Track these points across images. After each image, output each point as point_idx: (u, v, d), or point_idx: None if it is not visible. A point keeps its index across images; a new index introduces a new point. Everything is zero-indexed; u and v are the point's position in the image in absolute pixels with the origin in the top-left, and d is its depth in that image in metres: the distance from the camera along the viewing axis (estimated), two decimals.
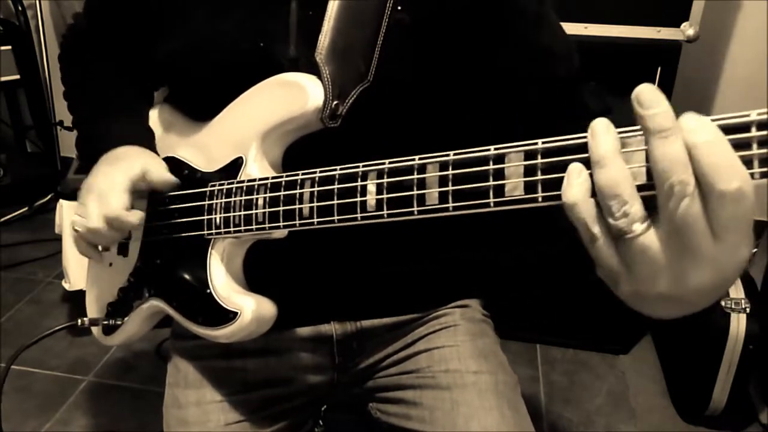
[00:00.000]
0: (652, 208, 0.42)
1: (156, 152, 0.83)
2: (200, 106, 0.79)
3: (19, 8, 2.47)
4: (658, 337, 1.90)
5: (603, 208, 0.42)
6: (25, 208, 2.53)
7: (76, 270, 1.82)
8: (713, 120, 0.40)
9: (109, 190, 0.73)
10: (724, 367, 1.53)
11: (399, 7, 0.71)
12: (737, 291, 1.54)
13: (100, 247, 0.80)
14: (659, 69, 1.63)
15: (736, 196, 0.38)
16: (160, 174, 0.76)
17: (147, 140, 0.83)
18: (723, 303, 1.52)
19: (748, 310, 1.50)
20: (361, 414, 0.95)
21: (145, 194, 0.79)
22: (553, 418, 1.66)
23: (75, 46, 0.94)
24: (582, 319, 1.84)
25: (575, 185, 0.43)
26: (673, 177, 0.39)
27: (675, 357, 1.77)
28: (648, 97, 0.41)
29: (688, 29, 1.56)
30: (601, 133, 0.43)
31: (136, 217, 0.73)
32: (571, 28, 1.60)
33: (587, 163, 0.44)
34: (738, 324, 1.50)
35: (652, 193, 0.42)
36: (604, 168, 0.42)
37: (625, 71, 1.78)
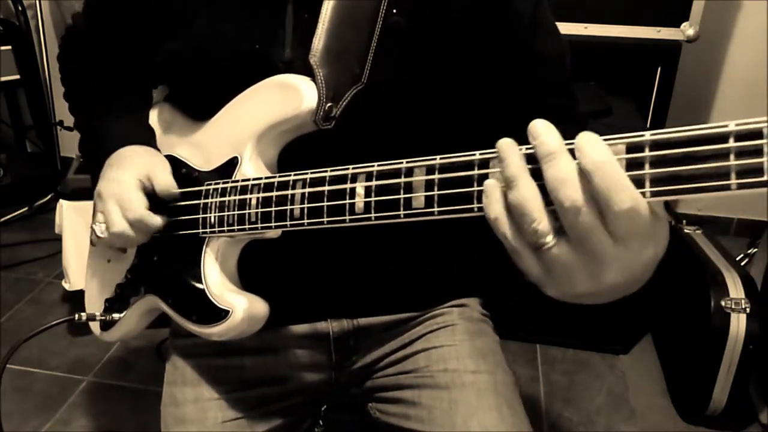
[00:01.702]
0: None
1: (158, 150, 0.83)
2: (199, 106, 0.80)
3: (19, 8, 2.48)
4: (658, 337, 1.90)
5: (515, 224, 0.46)
6: (25, 208, 2.54)
7: (76, 270, 1.82)
8: (607, 140, 0.43)
9: (126, 193, 0.74)
10: (724, 367, 1.53)
11: (394, 11, 0.71)
12: (737, 291, 1.54)
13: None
14: (659, 69, 1.63)
15: (630, 214, 0.42)
16: (165, 181, 0.76)
17: (149, 139, 0.84)
18: (723, 303, 1.52)
19: (748, 310, 1.50)
20: (360, 414, 0.95)
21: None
22: (553, 418, 1.66)
23: (74, 46, 0.94)
24: (582, 319, 1.83)
25: (492, 202, 0.47)
26: (560, 194, 0.43)
27: (675, 357, 1.76)
28: (536, 128, 0.45)
29: (688, 29, 1.56)
30: (508, 153, 0.46)
31: (159, 219, 0.74)
32: (571, 28, 1.61)
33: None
34: (738, 324, 1.50)
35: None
36: (513, 188, 0.45)
37: (625, 71, 1.78)
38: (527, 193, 0.45)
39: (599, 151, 0.42)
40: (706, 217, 2.30)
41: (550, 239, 0.45)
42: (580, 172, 0.43)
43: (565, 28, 1.62)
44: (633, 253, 0.44)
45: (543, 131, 0.45)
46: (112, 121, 0.84)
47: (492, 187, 0.47)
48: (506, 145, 0.46)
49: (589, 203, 0.43)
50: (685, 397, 1.67)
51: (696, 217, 2.20)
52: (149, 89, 0.94)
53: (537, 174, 0.46)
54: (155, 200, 0.77)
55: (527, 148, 0.46)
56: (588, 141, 0.43)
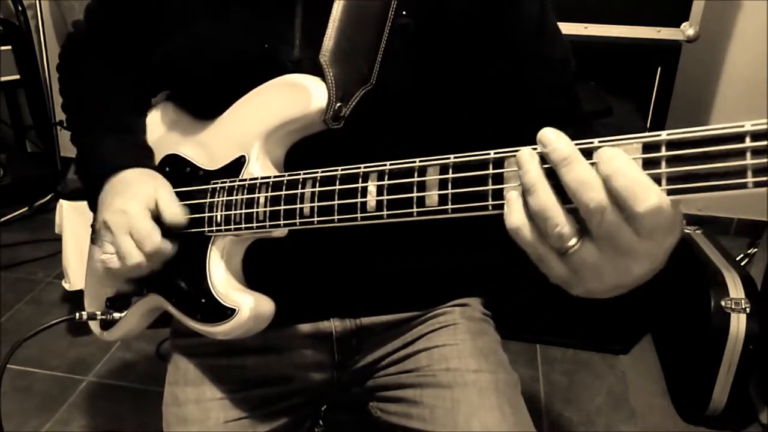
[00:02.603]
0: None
1: (155, 168, 0.81)
2: (205, 105, 0.79)
3: (19, 8, 2.48)
4: (658, 337, 1.90)
5: (540, 230, 0.47)
6: (25, 208, 2.54)
7: (76, 270, 1.82)
8: (624, 139, 0.45)
9: (137, 225, 0.72)
10: (724, 367, 1.53)
11: (403, 12, 0.72)
12: (737, 291, 1.54)
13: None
14: (659, 69, 1.63)
15: (654, 212, 0.43)
16: (173, 212, 0.74)
17: (145, 159, 0.82)
18: (723, 303, 1.52)
19: (748, 310, 1.51)
20: (361, 414, 0.95)
21: None
22: (553, 418, 1.66)
23: (74, 54, 0.93)
24: (582, 319, 1.84)
25: (514, 211, 0.48)
26: (584, 197, 0.44)
27: (675, 357, 1.77)
28: (547, 135, 0.46)
29: (688, 29, 1.56)
30: (527, 162, 0.47)
31: (173, 246, 0.73)
32: (571, 28, 1.61)
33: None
34: (738, 324, 1.50)
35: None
36: (533, 195, 0.46)
37: (625, 71, 1.78)
38: (548, 199, 0.46)
39: (619, 157, 0.44)
40: (706, 217, 2.30)
41: (574, 241, 0.46)
42: (599, 175, 0.44)
43: (565, 28, 1.62)
44: (658, 243, 0.46)
45: (554, 138, 0.46)
46: (108, 141, 0.83)
47: (513, 197, 0.48)
48: (524, 153, 0.48)
49: (613, 204, 0.44)
50: (685, 397, 1.67)
51: (696, 217, 2.20)
52: (148, 99, 0.93)
53: (551, 176, 0.47)
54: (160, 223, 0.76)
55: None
56: (607, 150, 0.44)
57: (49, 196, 2.55)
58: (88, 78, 0.91)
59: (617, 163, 0.43)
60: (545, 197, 0.46)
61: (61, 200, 1.85)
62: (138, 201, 0.74)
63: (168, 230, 0.74)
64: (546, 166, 0.47)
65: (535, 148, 0.48)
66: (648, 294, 1.92)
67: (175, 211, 0.74)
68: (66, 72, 0.94)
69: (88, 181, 0.83)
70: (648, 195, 0.42)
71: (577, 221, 0.46)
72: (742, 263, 2.04)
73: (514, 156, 0.49)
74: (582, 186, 0.44)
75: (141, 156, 0.83)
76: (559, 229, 0.46)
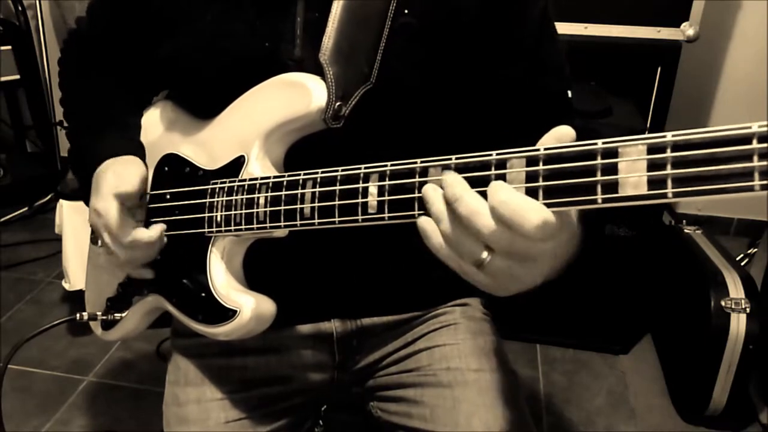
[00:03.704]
0: None
1: (144, 162, 0.82)
2: (204, 104, 0.79)
3: (19, 8, 2.48)
4: (658, 337, 1.90)
5: (456, 251, 0.52)
6: (25, 208, 2.54)
7: (76, 270, 1.82)
8: (629, 140, 0.46)
9: (109, 221, 0.74)
10: (724, 367, 1.53)
11: (405, 11, 0.72)
12: (737, 291, 1.54)
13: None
14: (659, 69, 1.63)
15: (540, 227, 0.47)
16: (125, 188, 0.76)
17: (132, 152, 0.83)
18: (723, 303, 1.52)
19: (748, 310, 1.51)
20: (361, 414, 0.95)
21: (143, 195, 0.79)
22: (553, 418, 1.66)
23: (75, 51, 0.93)
24: (582, 319, 1.84)
25: (432, 238, 0.53)
26: (476, 224, 0.49)
27: (675, 357, 1.77)
28: (427, 193, 0.53)
29: (688, 29, 1.56)
30: (431, 197, 0.53)
31: (155, 231, 0.75)
32: (571, 28, 1.61)
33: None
34: (738, 324, 1.50)
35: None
36: (440, 224, 0.52)
37: (625, 71, 1.78)
38: (451, 230, 0.52)
39: (501, 189, 0.49)
40: (706, 217, 2.30)
41: (485, 255, 0.51)
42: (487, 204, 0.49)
43: (565, 28, 1.63)
44: (554, 243, 0.51)
45: (448, 183, 0.52)
46: (101, 137, 0.84)
47: (427, 226, 0.53)
48: (429, 190, 0.53)
49: (500, 225, 0.49)
50: (685, 397, 1.67)
51: (696, 217, 2.20)
52: (148, 99, 0.93)
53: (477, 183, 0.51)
54: (155, 214, 0.77)
55: (530, 150, 0.50)
56: (493, 184, 0.50)
57: (49, 196, 2.55)
58: (88, 75, 0.91)
59: (500, 195, 0.48)
60: (449, 229, 0.51)
61: (61, 200, 1.85)
62: (104, 196, 0.76)
63: (157, 207, 0.75)
64: (543, 183, 0.50)
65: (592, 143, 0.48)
66: (648, 294, 1.92)
67: (129, 186, 0.76)
68: (67, 66, 0.94)
69: (81, 175, 0.84)
70: (530, 216, 0.47)
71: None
72: (742, 263, 2.04)
73: (516, 157, 0.50)
74: (472, 215, 0.49)
75: (129, 149, 0.83)
76: (467, 248, 0.51)
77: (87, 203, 0.82)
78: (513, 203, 0.48)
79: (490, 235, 0.49)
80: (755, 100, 2.13)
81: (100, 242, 0.78)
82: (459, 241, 0.51)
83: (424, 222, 0.53)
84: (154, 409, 0.91)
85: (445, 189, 0.52)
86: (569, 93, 0.81)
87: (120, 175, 0.77)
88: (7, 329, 1.93)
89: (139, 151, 0.84)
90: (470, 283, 0.55)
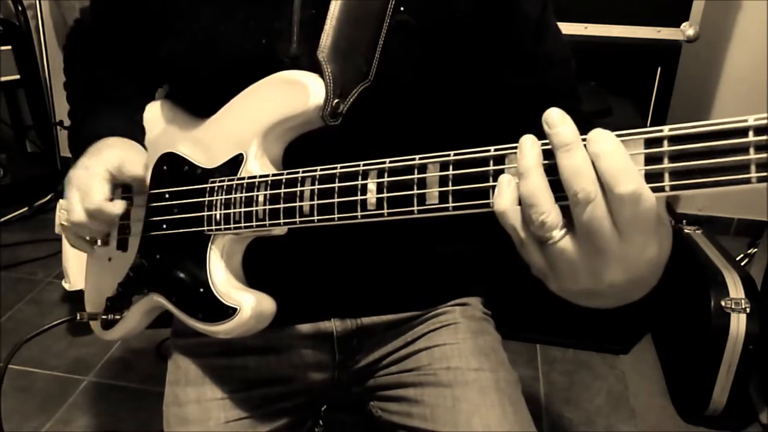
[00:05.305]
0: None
1: (144, 146, 0.83)
2: (202, 103, 0.80)
3: (19, 8, 2.48)
4: (658, 337, 1.90)
5: (525, 216, 0.47)
6: (25, 208, 2.54)
7: (76, 270, 1.82)
8: (625, 134, 0.45)
9: (89, 181, 0.75)
10: (724, 367, 1.53)
11: (402, 8, 0.72)
12: (737, 291, 1.54)
13: (90, 240, 0.82)
14: (659, 69, 1.63)
15: (633, 198, 0.43)
16: (133, 169, 0.77)
17: (134, 133, 0.84)
18: (723, 303, 1.52)
19: (748, 310, 1.51)
20: (361, 413, 0.95)
21: (133, 187, 0.80)
22: (553, 418, 1.66)
23: (80, 39, 0.94)
24: (582, 319, 1.83)
25: (504, 194, 0.48)
26: (575, 186, 0.44)
27: (675, 357, 1.77)
28: (553, 116, 0.46)
29: (688, 29, 1.56)
30: (527, 147, 0.47)
31: (118, 207, 0.75)
32: (571, 28, 1.61)
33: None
34: (738, 324, 1.50)
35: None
36: (525, 180, 0.46)
37: (625, 71, 1.78)
38: (538, 184, 0.46)
39: (609, 140, 0.44)
40: (706, 217, 2.30)
41: (556, 233, 0.46)
42: (592, 164, 0.44)
43: (565, 28, 1.62)
44: (636, 250, 0.45)
45: (560, 121, 0.45)
46: (101, 112, 0.85)
47: (505, 180, 0.48)
48: (527, 139, 0.48)
49: (600, 196, 0.44)
50: (685, 397, 1.67)
51: (696, 217, 2.20)
52: (150, 87, 0.94)
53: (550, 171, 0.46)
54: (154, 213, 0.77)
55: (543, 144, 0.47)
56: (599, 132, 0.45)
57: (49, 196, 2.55)
58: (91, 63, 0.91)
59: (606, 145, 0.44)
60: (536, 183, 0.46)
61: (61, 200, 1.85)
62: (102, 162, 0.76)
63: (161, 228, 0.75)
64: (546, 162, 0.47)
65: (545, 143, 0.47)
66: (648, 294, 1.91)
67: (134, 168, 0.76)
68: (72, 53, 0.95)
69: (77, 148, 0.84)
70: (629, 179, 0.42)
71: (563, 215, 0.46)
72: (742, 263, 2.04)
73: (515, 153, 0.49)
74: (576, 175, 0.44)
75: (131, 130, 0.84)
76: (544, 217, 0.46)
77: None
78: (616, 158, 0.43)
79: (583, 201, 0.44)
80: (755, 100, 2.13)
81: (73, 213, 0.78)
82: (537, 205, 0.46)
83: (502, 178, 0.48)
84: (154, 409, 0.91)
85: (553, 135, 0.45)
86: (576, 87, 0.81)
87: (125, 156, 0.78)
88: (7, 329, 1.92)
89: (139, 134, 0.85)
90: (518, 260, 0.50)
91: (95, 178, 0.75)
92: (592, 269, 0.46)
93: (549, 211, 0.46)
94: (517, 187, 0.47)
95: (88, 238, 0.83)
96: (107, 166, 0.76)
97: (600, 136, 0.44)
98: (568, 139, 0.45)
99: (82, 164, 0.78)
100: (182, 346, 0.91)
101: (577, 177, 0.44)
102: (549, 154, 0.47)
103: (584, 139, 0.45)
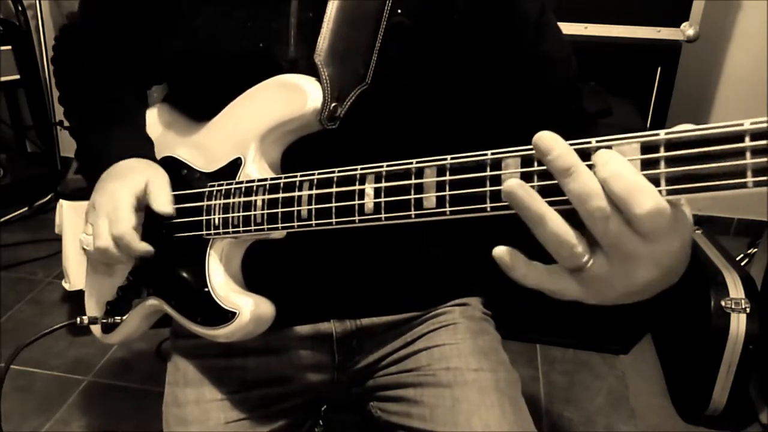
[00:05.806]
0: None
1: (155, 160, 0.82)
2: (200, 106, 0.79)
3: (19, 8, 2.48)
4: (658, 337, 1.90)
5: (557, 259, 0.47)
6: (25, 208, 2.54)
7: (76, 270, 1.82)
8: (622, 139, 0.44)
9: (118, 208, 0.74)
10: (724, 367, 1.53)
11: (399, 11, 0.72)
12: (737, 291, 1.54)
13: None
14: (659, 69, 1.63)
15: (652, 215, 0.42)
16: (162, 201, 0.75)
17: (148, 150, 0.83)
18: (723, 303, 1.52)
19: (748, 310, 1.50)
20: (361, 414, 0.95)
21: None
22: (553, 418, 1.66)
23: (69, 47, 0.93)
24: (582, 319, 1.84)
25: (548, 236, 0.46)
26: (589, 207, 0.43)
27: (675, 357, 1.77)
28: (544, 144, 0.44)
29: (688, 29, 1.56)
30: (528, 207, 0.45)
31: (144, 247, 0.74)
32: (571, 28, 1.61)
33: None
34: (738, 324, 1.50)
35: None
36: (542, 227, 0.45)
37: (625, 71, 1.79)
38: (561, 226, 0.45)
39: (615, 160, 0.43)
40: (706, 217, 2.30)
41: (586, 258, 0.46)
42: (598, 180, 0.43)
43: (565, 28, 1.61)
44: (662, 247, 0.45)
45: (555, 145, 0.44)
46: (109, 133, 0.84)
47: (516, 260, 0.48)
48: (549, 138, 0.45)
49: (614, 209, 0.43)
50: (685, 397, 1.67)
51: (696, 217, 2.20)
52: (145, 91, 0.93)
53: (545, 192, 0.46)
54: (153, 218, 0.77)
55: (525, 150, 0.47)
56: (603, 154, 0.44)
57: (49, 196, 2.55)
58: (86, 71, 0.90)
59: (613, 166, 0.43)
60: (557, 226, 0.45)
61: (61, 200, 1.86)
62: (128, 187, 0.75)
63: (159, 221, 0.75)
64: (539, 183, 0.47)
65: (528, 149, 0.47)
66: None
67: (163, 200, 0.75)
68: (61, 64, 0.94)
69: (91, 170, 0.83)
70: (644, 199, 0.42)
71: (583, 235, 0.46)
72: (742, 263, 2.04)
73: (512, 157, 0.49)
74: (588, 197, 0.43)
75: (144, 147, 0.83)
76: (574, 249, 0.46)
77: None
78: (628, 178, 0.42)
79: (600, 220, 0.43)
80: (755, 100, 2.13)
81: (85, 228, 0.77)
82: (565, 242, 0.45)
83: (503, 253, 0.48)
84: (154, 409, 0.91)
85: (553, 161, 0.44)
86: (578, 86, 0.81)
87: (150, 181, 0.76)
88: (7, 329, 1.93)
89: (151, 150, 0.84)
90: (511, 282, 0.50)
91: (123, 206, 0.73)
92: (626, 273, 0.46)
93: (576, 244, 0.46)
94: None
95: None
96: (134, 192, 0.74)
97: (605, 158, 0.43)
98: (569, 162, 0.44)
99: (105, 190, 0.76)
100: (181, 347, 0.91)
101: (589, 199, 0.43)
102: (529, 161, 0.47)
103: (590, 164, 0.44)
